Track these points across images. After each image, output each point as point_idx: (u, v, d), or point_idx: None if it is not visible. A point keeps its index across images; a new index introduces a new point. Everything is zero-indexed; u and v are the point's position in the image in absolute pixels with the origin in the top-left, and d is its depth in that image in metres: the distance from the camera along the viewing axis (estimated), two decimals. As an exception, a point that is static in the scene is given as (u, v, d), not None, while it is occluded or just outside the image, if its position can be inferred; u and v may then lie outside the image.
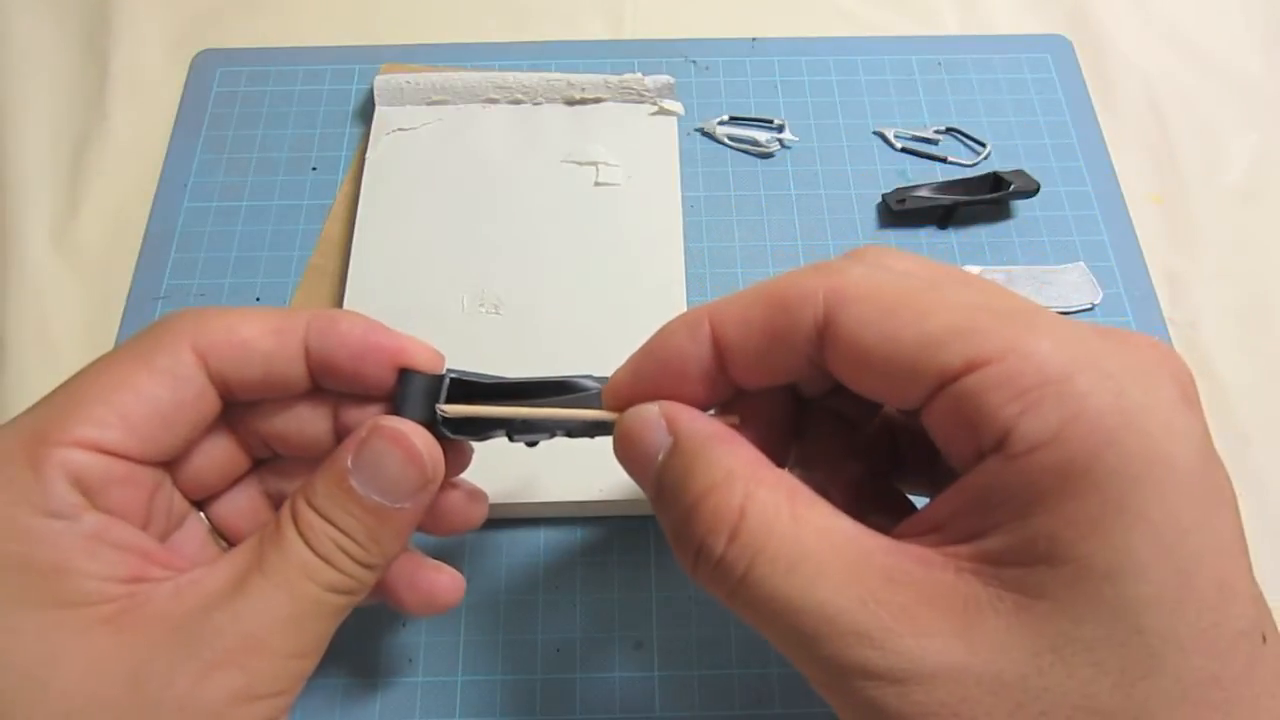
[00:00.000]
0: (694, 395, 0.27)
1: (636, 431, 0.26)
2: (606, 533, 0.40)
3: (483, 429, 0.29)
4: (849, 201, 0.49)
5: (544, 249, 0.45)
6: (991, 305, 0.23)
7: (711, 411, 0.28)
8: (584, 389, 0.29)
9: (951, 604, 0.22)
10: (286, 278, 0.47)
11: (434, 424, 0.28)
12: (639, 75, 0.50)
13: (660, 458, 0.26)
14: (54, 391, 0.26)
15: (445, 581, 0.31)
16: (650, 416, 0.26)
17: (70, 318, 0.46)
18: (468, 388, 0.29)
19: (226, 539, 0.31)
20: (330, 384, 0.29)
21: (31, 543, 0.24)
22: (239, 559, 0.26)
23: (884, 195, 0.49)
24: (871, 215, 0.49)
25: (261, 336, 0.27)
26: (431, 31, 0.55)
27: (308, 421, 0.30)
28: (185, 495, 0.30)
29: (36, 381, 0.44)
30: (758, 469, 0.25)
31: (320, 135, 0.51)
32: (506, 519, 0.40)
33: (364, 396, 0.29)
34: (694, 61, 0.54)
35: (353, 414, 0.29)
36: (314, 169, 0.50)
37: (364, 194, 0.47)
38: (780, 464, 0.27)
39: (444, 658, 0.38)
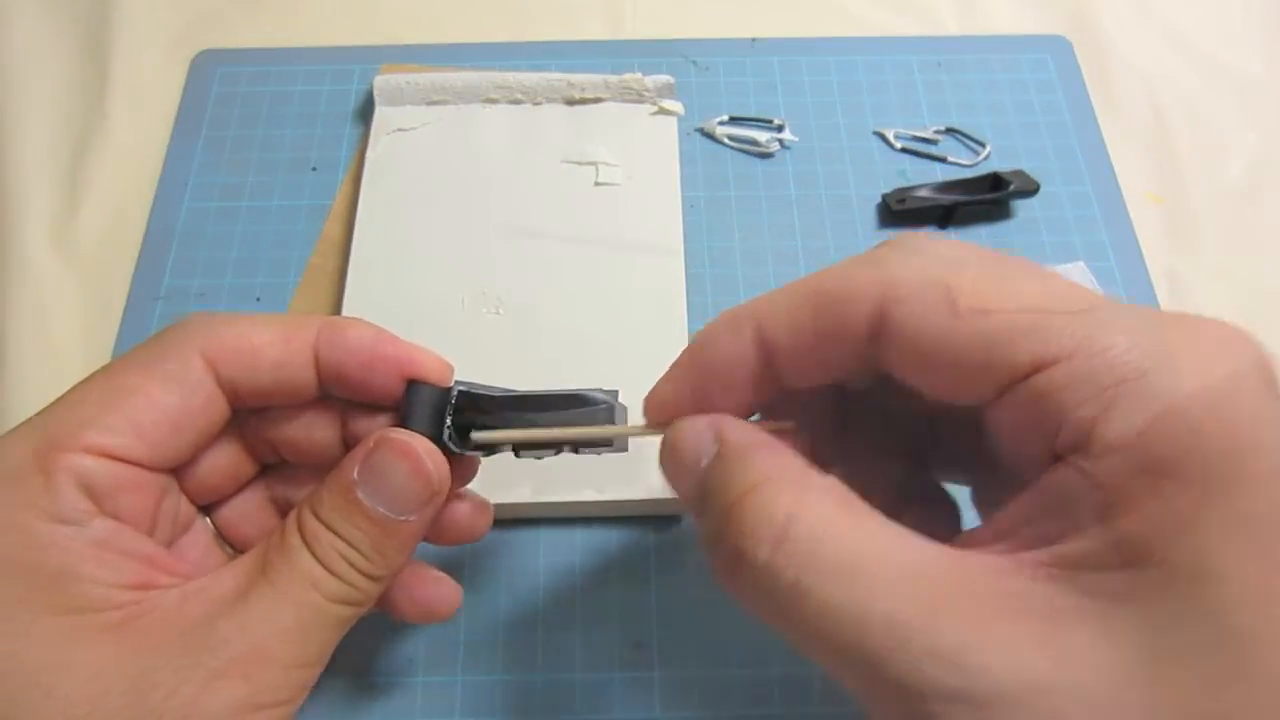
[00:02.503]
0: (741, 400, 0.26)
1: (684, 443, 0.26)
2: (606, 533, 0.40)
3: (489, 443, 0.29)
4: (849, 201, 0.49)
5: (544, 249, 0.45)
6: (1055, 296, 0.22)
7: (755, 417, 0.28)
8: (593, 402, 0.29)
9: (1030, 614, 0.20)
10: (286, 278, 0.47)
11: (441, 437, 0.28)
12: (639, 75, 0.50)
13: (704, 464, 0.25)
14: (64, 396, 0.26)
15: (444, 593, 0.32)
16: (699, 428, 0.26)
17: (70, 318, 0.46)
18: (475, 400, 0.29)
19: (232, 544, 0.31)
20: (339, 392, 0.29)
21: (40, 548, 0.24)
22: (244, 567, 0.26)
23: (884, 195, 0.49)
24: (871, 215, 0.49)
25: (271, 344, 0.27)
26: (431, 31, 0.55)
27: (316, 429, 0.30)
28: (191, 499, 0.29)
29: (36, 381, 0.44)
30: (806, 474, 0.24)
31: (320, 135, 0.51)
32: (507, 519, 0.40)
33: (373, 405, 0.29)
34: (694, 61, 0.54)
35: (361, 423, 0.29)
36: (314, 169, 0.50)
37: (364, 194, 0.47)
38: (828, 461, 0.26)
39: (444, 658, 0.38)
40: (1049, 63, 0.54)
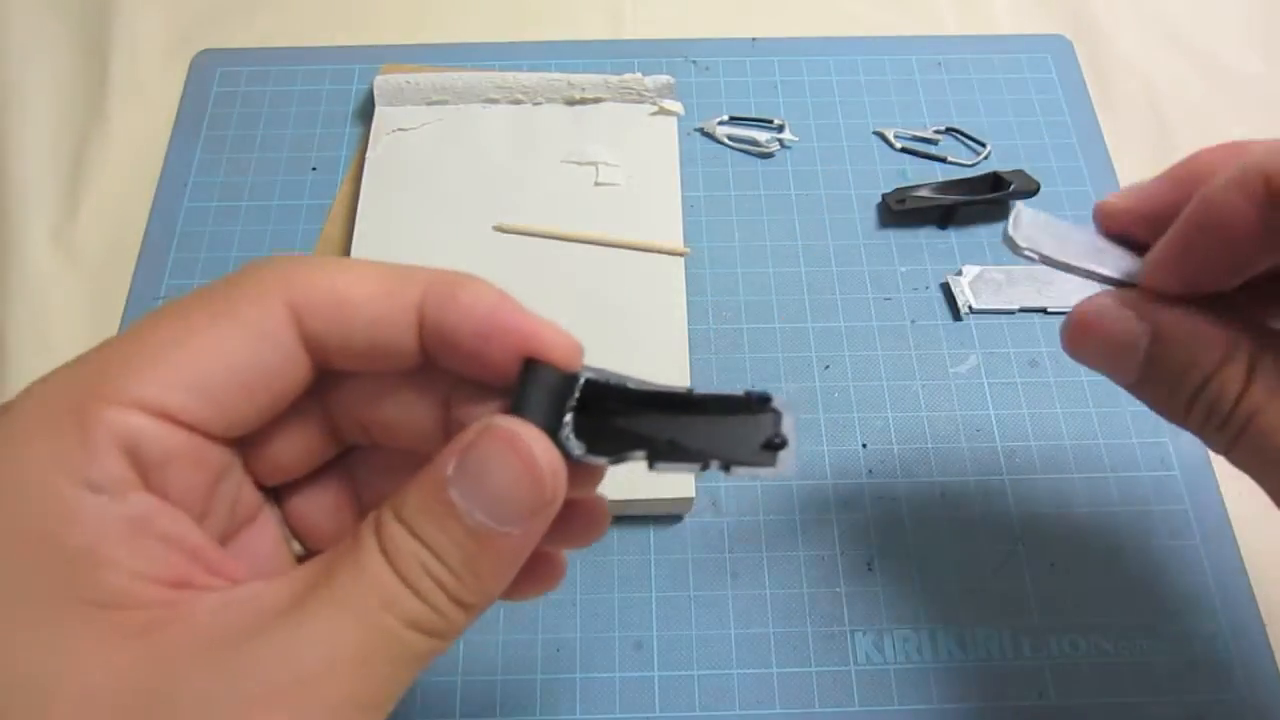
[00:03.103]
0: (1237, 261, 0.26)
1: (1114, 331, 0.27)
2: (606, 533, 0.40)
3: (620, 447, 0.23)
4: (849, 201, 0.49)
5: (544, 249, 0.45)
6: None
7: None
8: (756, 408, 0.24)
9: None
10: (286, 278, 0.47)
11: (559, 434, 0.23)
12: (639, 75, 0.50)
13: (1144, 345, 0.27)
14: (116, 338, 0.22)
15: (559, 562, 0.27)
16: (1125, 315, 0.27)
17: (70, 318, 0.46)
18: (606, 393, 0.23)
19: (304, 543, 0.26)
20: (445, 363, 0.23)
21: (61, 519, 0.19)
22: (303, 575, 0.21)
23: (884, 195, 0.49)
24: (871, 215, 0.49)
25: (370, 298, 0.23)
26: (431, 31, 0.55)
27: (412, 408, 0.24)
28: (256, 480, 0.25)
29: (36, 381, 0.44)
30: (1262, 337, 0.26)
31: (320, 135, 0.51)
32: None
33: (484, 385, 0.24)
34: (694, 61, 0.54)
35: (469, 407, 0.24)
36: (314, 169, 0.50)
37: (364, 194, 0.47)
38: None
39: (444, 658, 0.38)
40: (1049, 62, 0.54)
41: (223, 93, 0.52)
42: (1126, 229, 0.29)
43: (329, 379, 0.24)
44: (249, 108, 0.52)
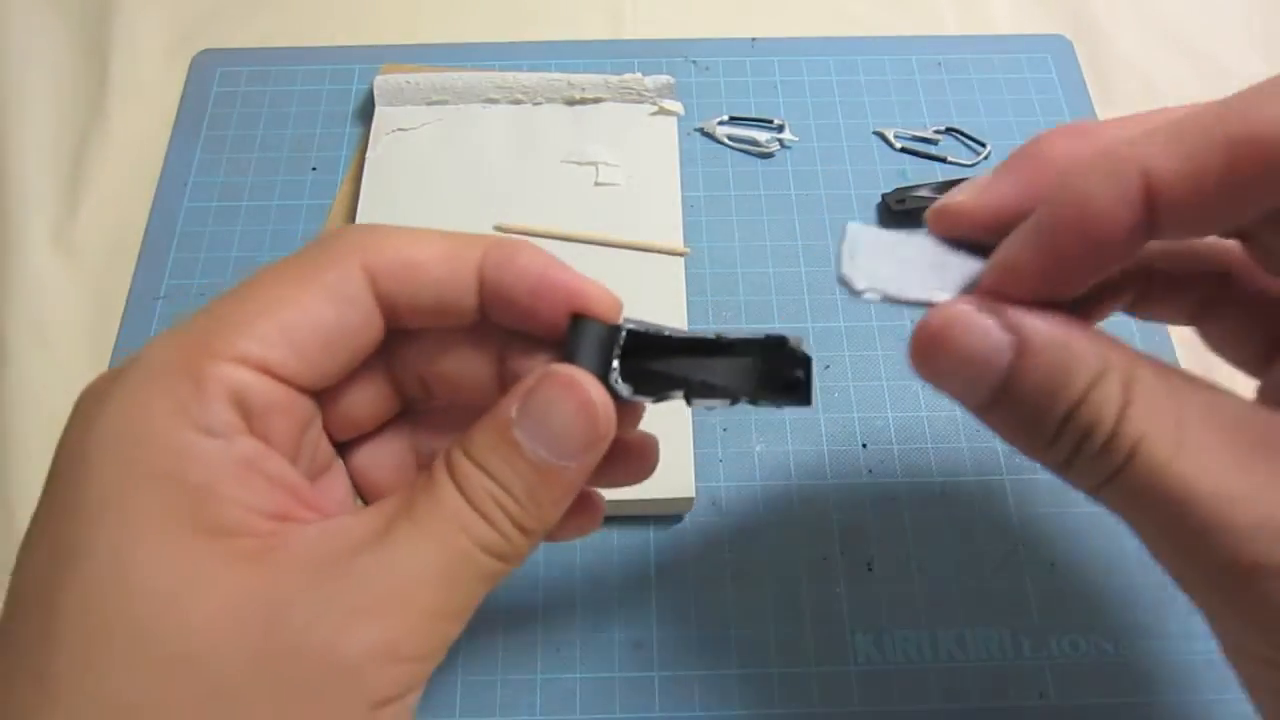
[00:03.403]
0: (1102, 264, 0.23)
1: (969, 343, 0.24)
2: (606, 533, 0.40)
3: (660, 388, 0.26)
4: (849, 201, 0.49)
5: (544, 249, 0.45)
6: None
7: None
8: (777, 349, 0.26)
9: None
10: (286, 278, 0.47)
11: (608, 379, 0.25)
12: (639, 75, 0.50)
13: (1007, 359, 0.23)
14: (217, 301, 0.24)
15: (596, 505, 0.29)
16: (985, 324, 0.24)
17: (70, 318, 0.46)
18: (645, 341, 0.26)
19: (366, 496, 0.29)
20: (501, 320, 0.26)
21: (182, 459, 0.22)
22: (387, 509, 0.24)
23: (884, 195, 0.49)
24: (871, 215, 0.49)
25: (436, 261, 0.25)
26: (431, 31, 0.55)
27: (470, 362, 0.27)
28: (330, 435, 0.28)
29: (37, 381, 0.44)
30: (1130, 351, 0.23)
31: (320, 135, 0.51)
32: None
33: (533, 340, 0.26)
34: (694, 61, 0.54)
35: (520, 361, 0.27)
36: (314, 169, 0.50)
37: (364, 194, 0.47)
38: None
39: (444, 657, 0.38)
40: (1049, 62, 0.54)
41: (223, 93, 0.53)
42: (967, 234, 0.26)
43: (395, 337, 0.27)
44: (249, 108, 0.52)
